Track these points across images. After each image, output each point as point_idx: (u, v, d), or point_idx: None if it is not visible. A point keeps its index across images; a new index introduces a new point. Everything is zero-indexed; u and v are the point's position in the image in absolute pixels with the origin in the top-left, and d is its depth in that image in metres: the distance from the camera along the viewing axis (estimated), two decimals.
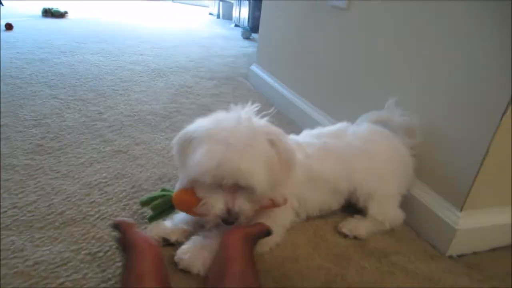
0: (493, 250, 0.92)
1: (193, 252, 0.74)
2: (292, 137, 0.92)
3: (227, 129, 0.71)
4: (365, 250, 0.87)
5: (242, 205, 0.72)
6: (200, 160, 0.69)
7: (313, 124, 1.39)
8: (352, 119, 1.05)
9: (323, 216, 0.96)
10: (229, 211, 0.71)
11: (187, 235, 0.80)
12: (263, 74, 1.91)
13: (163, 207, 0.81)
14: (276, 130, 0.77)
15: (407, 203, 0.97)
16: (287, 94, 1.64)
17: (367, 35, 1.14)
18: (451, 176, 0.88)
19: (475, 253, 0.90)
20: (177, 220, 0.83)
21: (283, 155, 0.75)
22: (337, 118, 1.28)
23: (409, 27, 0.98)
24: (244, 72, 2.25)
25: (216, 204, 0.71)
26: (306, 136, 0.97)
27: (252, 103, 0.80)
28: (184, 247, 0.75)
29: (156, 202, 0.81)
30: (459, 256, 0.89)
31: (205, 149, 0.69)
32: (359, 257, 0.84)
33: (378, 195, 0.91)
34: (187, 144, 0.74)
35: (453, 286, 0.79)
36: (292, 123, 1.55)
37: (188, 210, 0.78)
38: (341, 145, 0.93)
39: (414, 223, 0.96)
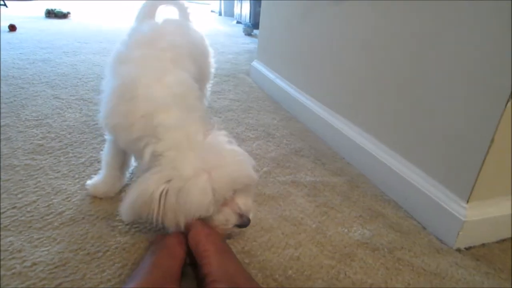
0: (502, 241, 0.90)
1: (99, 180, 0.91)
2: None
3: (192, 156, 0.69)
4: (370, 246, 0.85)
5: (247, 203, 0.73)
6: (196, 204, 0.66)
7: (314, 118, 1.38)
8: (355, 112, 1.03)
9: (326, 212, 0.94)
10: (241, 216, 0.72)
11: None
12: (264, 70, 1.89)
13: None
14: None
15: (412, 196, 0.95)
16: (288, 89, 1.62)
17: (367, 27, 1.12)
18: (456, 167, 0.85)
19: (483, 244, 0.88)
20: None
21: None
22: (339, 112, 1.27)
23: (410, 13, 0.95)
24: (245, 68, 2.23)
25: (230, 218, 0.72)
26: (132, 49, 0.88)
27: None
28: (94, 178, 0.93)
29: None
30: (467, 248, 0.86)
31: (194, 194, 0.65)
32: (363, 254, 0.82)
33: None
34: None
35: (461, 280, 0.77)
36: (293, 118, 1.53)
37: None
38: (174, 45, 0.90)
39: (420, 216, 0.94)
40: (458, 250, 0.85)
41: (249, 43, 3.06)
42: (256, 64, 2.00)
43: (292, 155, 1.22)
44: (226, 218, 0.72)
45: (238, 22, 4.21)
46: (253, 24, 3.59)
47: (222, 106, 1.60)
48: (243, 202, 0.73)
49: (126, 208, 0.70)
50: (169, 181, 0.67)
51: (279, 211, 0.94)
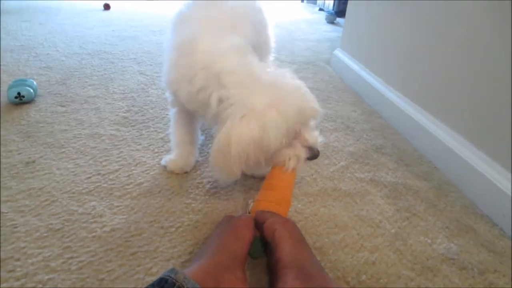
0: None
1: (174, 157, 0.93)
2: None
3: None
4: (456, 263, 0.76)
5: (313, 135, 0.74)
6: (273, 136, 0.66)
7: (400, 115, 1.28)
8: (450, 113, 0.93)
9: (407, 218, 0.87)
10: (310, 149, 0.73)
11: None
12: (347, 59, 1.80)
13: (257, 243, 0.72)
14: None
15: None
16: (372, 81, 1.52)
17: (470, 23, 0.99)
18: None
19: None
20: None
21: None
22: (430, 111, 1.15)
23: None
24: (326, 57, 2.15)
25: (300, 153, 0.73)
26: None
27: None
28: (169, 156, 0.95)
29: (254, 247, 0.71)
30: None
31: (270, 127, 0.66)
32: (448, 270, 0.74)
33: None
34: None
35: None
36: (375, 113, 1.43)
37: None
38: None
39: None
40: None
41: (331, 31, 2.95)
42: (338, 53, 1.91)
43: (372, 151, 1.14)
44: (297, 154, 0.73)
45: (320, 9, 4.08)
46: (337, 12, 3.45)
47: None
48: (310, 135, 0.74)
49: (224, 169, 0.70)
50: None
51: (355, 210, 0.88)
